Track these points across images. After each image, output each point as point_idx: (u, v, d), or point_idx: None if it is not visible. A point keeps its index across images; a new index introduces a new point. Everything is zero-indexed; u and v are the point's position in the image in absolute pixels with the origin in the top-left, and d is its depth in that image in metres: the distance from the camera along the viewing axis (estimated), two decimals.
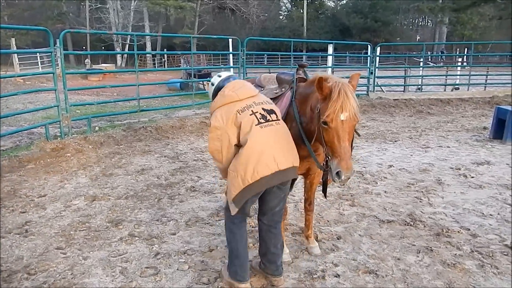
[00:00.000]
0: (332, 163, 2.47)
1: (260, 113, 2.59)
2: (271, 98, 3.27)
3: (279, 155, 2.52)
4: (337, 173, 2.43)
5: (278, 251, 2.84)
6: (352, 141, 2.54)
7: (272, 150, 2.50)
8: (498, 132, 7.40)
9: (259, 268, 2.95)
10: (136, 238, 3.62)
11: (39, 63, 24.40)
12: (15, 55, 22.27)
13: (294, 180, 2.86)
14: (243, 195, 2.51)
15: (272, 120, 2.63)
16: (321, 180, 2.95)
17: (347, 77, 2.72)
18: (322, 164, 2.70)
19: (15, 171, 5.38)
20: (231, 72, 3.00)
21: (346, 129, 2.43)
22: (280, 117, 2.76)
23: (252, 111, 2.58)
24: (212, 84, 2.96)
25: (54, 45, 6.60)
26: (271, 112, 2.67)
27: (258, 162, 2.45)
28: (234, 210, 2.59)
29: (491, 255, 3.29)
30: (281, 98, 3.21)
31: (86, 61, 28.52)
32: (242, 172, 2.46)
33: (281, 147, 2.57)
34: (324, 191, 2.97)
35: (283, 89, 3.26)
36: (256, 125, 2.53)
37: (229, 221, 2.74)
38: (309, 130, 2.76)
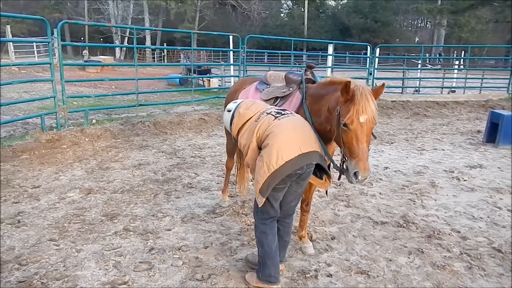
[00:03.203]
0: (350, 164, 2.53)
1: (274, 111, 2.78)
2: (278, 97, 3.32)
3: (299, 140, 2.60)
4: (355, 174, 2.49)
5: (289, 239, 2.99)
6: (369, 143, 2.59)
7: (293, 135, 2.60)
8: (491, 135, 7.47)
9: None
10: (131, 232, 3.62)
11: (35, 52, 24.22)
12: (11, 43, 22.04)
13: (325, 169, 2.84)
14: (269, 183, 2.56)
15: (288, 113, 2.78)
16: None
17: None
18: (338, 165, 2.73)
19: (9, 160, 5.34)
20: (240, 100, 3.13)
21: (364, 131, 2.49)
22: (293, 112, 2.92)
23: (266, 113, 2.77)
24: (229, 111, 3.00)
25: (52, 35, 6.56)
26: (284, 110, 2.86)
27: (280, 148, 2.53)
28: (261, 201, 2.64)
29: (479, 257, 3.34)
30: (289, 97, 3.26)
31: (84, 52, 28.30)
32: (268, 159, 2.54)
33: (302, 133, 2.66)
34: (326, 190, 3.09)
35: (291, 89, 3.29)
36: (273, 120, 2.68)
37: (260, 223, 2.78)
38: (323, 130, 2.81)
